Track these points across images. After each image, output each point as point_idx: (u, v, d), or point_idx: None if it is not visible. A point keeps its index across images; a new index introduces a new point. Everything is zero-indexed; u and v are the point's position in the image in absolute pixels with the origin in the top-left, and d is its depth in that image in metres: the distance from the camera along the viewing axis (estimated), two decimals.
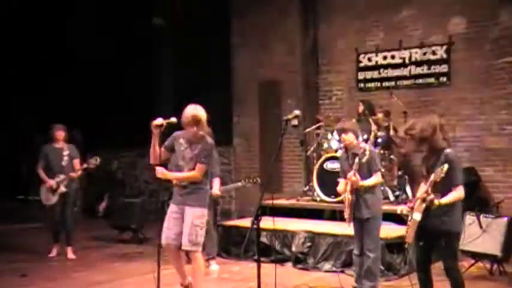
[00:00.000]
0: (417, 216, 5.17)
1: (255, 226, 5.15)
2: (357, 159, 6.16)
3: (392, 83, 10.35)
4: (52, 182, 8.74)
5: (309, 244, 8.02)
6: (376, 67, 10.55)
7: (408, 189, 9.24)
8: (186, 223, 5.96)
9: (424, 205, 5.13)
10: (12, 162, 14.39)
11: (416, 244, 5.43)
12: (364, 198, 6.30)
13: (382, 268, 7.23)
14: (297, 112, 5.57)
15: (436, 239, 5.27)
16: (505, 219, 7.38)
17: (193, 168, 5.98)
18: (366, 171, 6.28)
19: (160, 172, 5.97)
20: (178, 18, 12.88)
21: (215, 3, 12.09)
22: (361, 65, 10.71)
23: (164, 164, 6.15)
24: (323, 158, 9.22)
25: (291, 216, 9.17)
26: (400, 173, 9.34)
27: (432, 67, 9.97)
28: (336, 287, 6.91)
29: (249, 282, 7.15)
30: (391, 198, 8.97)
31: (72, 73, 13.77)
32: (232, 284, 7.38)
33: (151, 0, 13.10)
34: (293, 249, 8.10)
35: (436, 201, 5.07)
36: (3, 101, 14.18)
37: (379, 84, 10.53)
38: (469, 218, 7.46)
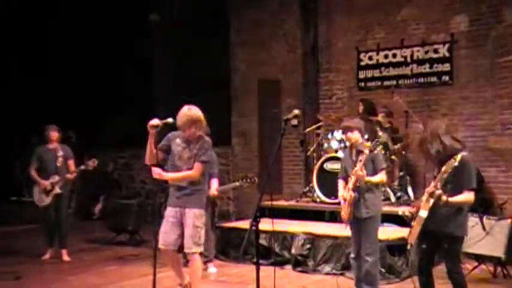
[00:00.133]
0: (423, 213, 5.08)
1: (253, 228, 5.07)
2: (367, 151, 6.03)
3: (394, 82, 10.26)
4: (46, 183, 8.68)
5: (308, 246, 7.95)
6: (377, 66, 10.44)
7: (410, 190, 9.20)
8: (188, 225, 5.92)
9: (431, 202, 5.02)
10: (7, 163, 14.32)
11: (419, 246, 5.37)
12: (364, 198, 6.19)
13: (383, 271, 7.19)
14: (296, 111, 5.48)
15: (439, 241, 5.20)
16: (509, 220, 7.29)
17: (192, 168, 5.92)
18: (370, 169, 6.16)
19: (157, 173, 5.93)
20: (177, 17, 12.83)
21: (214, 1, 12.01)
22: (362, 63, 10.61)
23: (161, 165, 6.08)
24: (323, 158, 9.17)
25: (291, 218, 9.13)
26: (401, 173, 9.25)
27: (434, 66, 9.87)
28: None
29: (248, 285, 7.09)
30: (393, 199, 8.92)
31: (69, 73, 13.74)
32: (230, 286, 7.32)
33: None
34: (293, 251, 8.04)
35: (444, 197, 4.96)
36: None
37: (380, 83, 10.44)
38: (472, 220, 7.35)
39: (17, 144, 13.76)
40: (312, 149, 9.87)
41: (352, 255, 6.47)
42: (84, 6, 13.28)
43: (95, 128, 13.10)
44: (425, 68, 9.96)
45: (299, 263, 7.94)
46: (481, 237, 7.27)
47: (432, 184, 5.07)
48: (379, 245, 7.13)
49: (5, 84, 13.91)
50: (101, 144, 12.92)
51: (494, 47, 9.36)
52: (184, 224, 5.94)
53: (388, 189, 8.86)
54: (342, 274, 7.43)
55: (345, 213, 6.27)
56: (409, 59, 10.10)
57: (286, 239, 8.15)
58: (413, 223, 5.20)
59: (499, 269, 7.33)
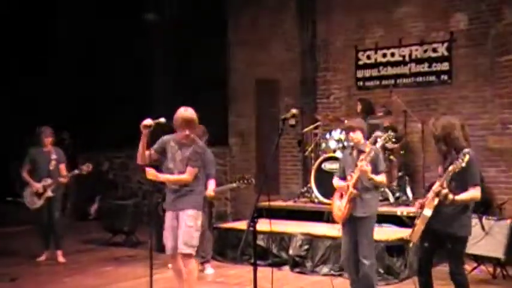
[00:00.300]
0: (428, 212, 5.05)
1: (251, 228, 5.06)
2: (372, 152, 5.99)
3: (392, 82, 10.20)
4: (39, 186, 8.64)
5: (306, 247, 7.91)
6: (376, 65, 10.38)
7: (408, 190, 9.15)
8: (180, 226, 5.94)
9: (436, 201, 5.00)
10: (4, 164, 14.27)
11: (421, 245, 5.33)
12: (362, 197, 6.12)
13: (382, 271, 7.19)
14: (294, 111, 5.47)
15: (442, 241, 5.18)
16: (508, 221, 7.26)
17: (184, 171, 5.96)
18: (371, 170, 6.08)
19: (151, 173, 5.97)
20: (176, 17, 12.79)
21: (213, 1, 11.99)
22: (360, 62, 10.55)
23: (154, 166, 6.11)
24: (321, 158, 9.14)
25: (288, 218, 9.08)
26: (400, 174, 9.21)
27: (433, 65, 9.81)
28: None
29: (245, 287, 7.07)
30: (391, 199, 8.87)
31: (65, 73, 13.68)
32: None
33: None
34: (290, 252, 8.00)
35: (451, 196, 4.94)
36: None
37: (378, 82, 10.38)
38: (472, 220, 7.28)
39: (17, 144, 13.71)
40: (309, 149, 9.82)
41: (344, 256, 6.39)
42: (84, 6, 13.24)
43: (93, 128, 13.07)
44: (424, 67, 9.89)
45: (297, 264, 7.90)
46: (480, 238, 7.22)
47: (438, 183, 5.04)
48: (380, 246, 7.11)
49: (5, 84, 13.87)
50: (100, 144, 12.91)
51: (494, 46, 9.30)
52: (178, 226, 5.97)
53: (387, 190, 8.81)
54: (340, 275, 7.39)
55: (339, 210, 6.18)
56: (407, 58, 10.04)
57: (284, 239, 8.12)
58: (416, 221, 5.17)
59: (498, 269, 7.29)
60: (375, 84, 10.40)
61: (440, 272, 5.46)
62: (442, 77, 9.74)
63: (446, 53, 9.70)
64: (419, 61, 9.93)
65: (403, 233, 7.64)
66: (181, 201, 5.96)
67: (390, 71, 10.22)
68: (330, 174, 8.52)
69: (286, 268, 7.93)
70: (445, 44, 9.70)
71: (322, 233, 7.98)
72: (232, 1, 11.83)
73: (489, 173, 9.12)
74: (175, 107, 6.02)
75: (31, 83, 13.60)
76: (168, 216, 6.07)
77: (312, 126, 9.90)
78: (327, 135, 9.37)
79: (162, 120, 5.83)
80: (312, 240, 7.89)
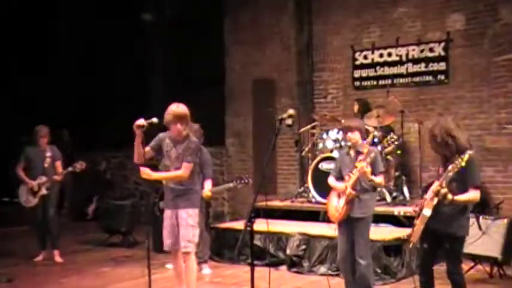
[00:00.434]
0: (427, 212, 5.04)
1: (248, 228, 5.06)
2: (372, 153, 5.97)
3: (389, 81, 10.19)
4: (33, 183, 8.63)
5: (304, 247, 7.90)
6: (372, 65, 10.37)
7: (405, 190, 9.14)
8: (182, 225, 6.02)
9: (435, 201, 4.98)
10: (3, 164, 14.24)
11: (420, 246, 5.34)
12: (360, 198, 6.10)
13: (379, 271, 7.18)
14: (291, 111, 5.46)
15: (441, 241, 5.18)
16: (505, 220, 7.25)
17: (180, 167, 6.02)
18: (371, 171, 6.07)
19: (146, 172, 6.01)
20: (174, 17, 12.77)
21: (212, 1, 11.95)
22: (357, 62, 10.54)
23: (150, 165, 6.15)
24: (318, 158, 9.13)
25: (286, 218, 9.07)
26: (397, 173, 9.20)
27: (430, 65, 9.80)
28: None
29: (243, 287, 7.07)
30: (388, 199, 8.86)
31: (62, 72, 13.65)
32: None
33: None
34: (288, 252, 7.98)
35: (450, 196, 4.92)
36: None
37: (375, 82, 10.37)
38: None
39: (16, 144, 13.69)
40: (306, 148, 9.82)
41: (340, 256, 6.36)
42: (84, 6, 13.22)
43: (92, 128, 13.05)
44: (421, 67, 9.88)
45: (294, 264, 7.89)
46: (477, 237, 7.21)
47: (437, 183, 5.04)
48: (377, 246, 7.11)
49: (5, 84, 13.84)
50: (99, 143, 12.86)
51: (491, 46, 9.29)
52: (178, 225, 6.04)
53: (384, 190, 8.79)
54: (337, 275, 7.34)
55: (337, 211, 6.17)
56: (404, 58, 10.03)
57: (281, 239, 8.10)
58: (416, 221, 5.17)
59: (495, 269, 7.28)
60: (372, 84, 10.39)
61: (437, 271, 5.46)
62: (439, 76, 9.74)
63: (443, 53, 9.69)
64: (416, 61, 9.92)
65: (400, 232, 7.66)
66: (180, 200, 6.03)
67: (387, 71, 10.22)
68: (327, 174, 8.40)
69: (284, 268, 7.91)
70: (442, 44, 9.69)
71: (320, 233, 7.96)
72: (229, 1, 11.80)
73: (486, 173, 9.11)
74: None
75: (31, 83, 13.59)
76: (167, 214, 6.12)
77: (309, 126, 9.88)
78: (324, 135, 9.36)
79: (155, 120, 5.87)
80: (309, 240, 7.88)
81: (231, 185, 7.96)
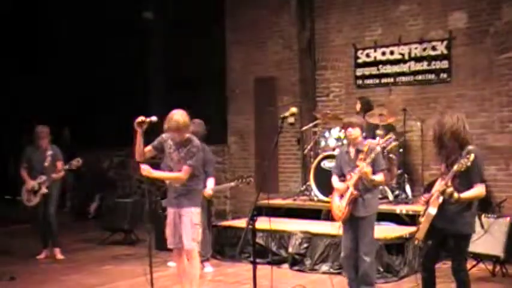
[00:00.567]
0: (433, 210, 5.05)
1: (250, 227, 5.07)
2: (372, 153, 5.97)
3: (391, 80, 10.17)
4: (33, 183, 8.67)
5: (306, 245, 7.89)
6: (375, 63, 10.34)
7: (408, 188, 9.12)
8: (185, 223, 6.03)
9: (440, 199, 5.00)
10: (3, 163, 14.28)
11: (425, 243, 5.33)
12: (363, 197, 6.12)
13: (381, 270, 7.17)
14: (293, 109, 5.47)
15: (446, 239, 5.19)
16: (507, 219, 7.23)
17: (181, 170, 6.03)
18: (372, 170, 6.07)
19: (146, 170, 6.01)
20: (171, 15, 12.75)
21: (208, 0, 11.92)
22: (359, 61, 10.51)
23: (156, 164, 6.16)
24: (320, 156, 9.11)
25: (288, 217, 9.06)
26: (399, 172, 9.19)
27: (432, 63, 9.78)
28: None
29: (245, 285, 7.04)
30: (390, 197, 8.85)
31: (63, 71, 13.66)
32: (226, 286, 7.26)
33: None
34: (290, 250, 7.97)
35: (456, 195, 4.93)
36: None
37: (377, 80, 10.34)
38: None
39: (16, 144, 13.73)
40: (308, 147, 9.80)
41: (343, 254, 6.38)
42: (83, 6, 13.23)
43: (93, 126, 13.06)
44: (423, 65, 9.86)
45: (296, 262, 7.88)
46: (479, 236, 7.16)
47: (441, 182, 5.05)
48: (379, 244, 7.10)
49: (5, 84, 13.87)
50: (100, 142, 12.86)
51: (493, 44, 9.27)
52: (181, 223, 6.05)
53: (386, 188, 8.79)
54: (339, 273, 7.36)
55: (340, 211, 6.17)
56: (406, 56, 10.01)
57: (283, 237, 8.09)
58: (421, 219, 5.18)
59: (497, 267, 7.27)
60: (374, 82, 10.37)
61: (440, 269, 5.46)
62: (441, 75, 9.72)
63: (445, 51, 9.67)
64: (418, 59, 9.90)
65: (402, 231, 7.67)
66: (183, 199, 6.06)
67: (389, 69, 10.19)
68: (329, 173, 8.45)
69: (286, 266, 7.91)
70: (445, 42, 9.67)
71: (322, 231, 7.95)
72: (229, 1, 11.78)
73: (488, 171, 9.06)
74: (174, 106, 6.05)
75: (31, 82, 13.61)
76: (170, 212, 6.16)
77: (311, 125, 9.88)
78: (326, 134, 9.34)
79: (154, 119, 5.86)
80: (311, 238, 7.87)
81: (232, 184, 7.98)
